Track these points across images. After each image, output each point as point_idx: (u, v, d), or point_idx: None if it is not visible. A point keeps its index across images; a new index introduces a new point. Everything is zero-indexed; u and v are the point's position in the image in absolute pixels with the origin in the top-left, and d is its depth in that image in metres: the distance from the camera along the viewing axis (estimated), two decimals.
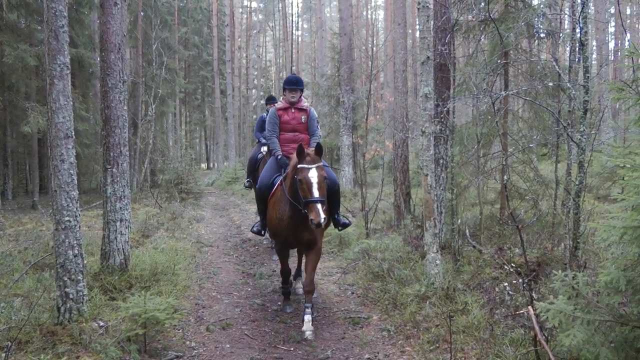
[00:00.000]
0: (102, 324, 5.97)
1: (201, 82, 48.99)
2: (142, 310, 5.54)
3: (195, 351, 5.78)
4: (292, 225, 6.52)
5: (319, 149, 6.29)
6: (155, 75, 26.73)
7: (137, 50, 26.72)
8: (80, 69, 20.27)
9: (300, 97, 7.68)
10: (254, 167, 11.44)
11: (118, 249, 7.70)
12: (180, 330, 6.34)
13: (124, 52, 8.13)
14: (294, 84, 7.59)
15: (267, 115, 10.34)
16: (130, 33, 24.73)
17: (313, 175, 6.10)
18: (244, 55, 51.00)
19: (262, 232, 7.83)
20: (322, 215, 5.89)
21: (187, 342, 6.02)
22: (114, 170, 7.74)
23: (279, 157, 7.37)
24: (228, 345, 5.97)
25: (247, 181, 11.96)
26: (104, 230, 7.84)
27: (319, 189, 6.04)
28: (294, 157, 6.36)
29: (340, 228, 7.53)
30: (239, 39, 51.11)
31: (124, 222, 7.81)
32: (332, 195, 6.98)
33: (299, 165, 6.19)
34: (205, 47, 47.29)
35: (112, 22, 7.81)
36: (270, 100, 12.43)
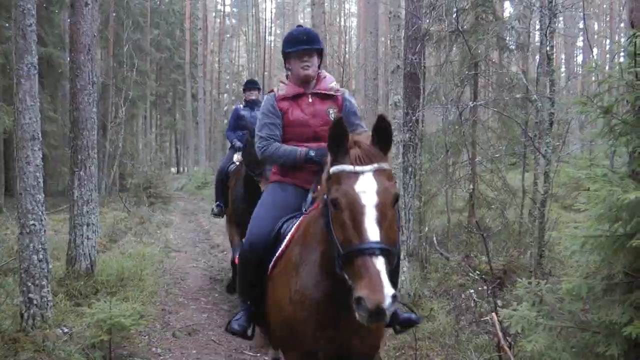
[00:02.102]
0: (66, 330, 5.87)
1: (172, 85, 48.58)
2: (107, 316, 5.47)
3: (162, 357, 5.74)
4: (328, 318, 2.99)
5: (381, 133, 2.79)
6: (126, 77, 26.45)
7: (108, 52, 26.42)
8: (49, 69, 19.96)
9: (319, 66, 4.16)
10: (224, 185, 8.21)
11: (84, 253, 7.59)
12: (147, 337, 6.28)
13: (95, 53, 8.04)
14: (304, 42, 4.02)
15: (242, 107, 8.70)
16: (101, 34, 24.45)
17: (367, 188, 2.63)
18: (217, 59, 50.80)
19: (249, 332, 3.79)
20: (387, 290, 2.37)
21: (153, 349, 5.97)
22: (81, 173, 7.63)
23: (308, 154, 3.81)
24: (194, 351, 5.94)
25: (217, 205, 8.44)
26: (70, 235, 7.72)
27: (380, 221, 2.56)
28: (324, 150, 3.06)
29: (398, 329, 3.63)
30: (212, 43, 50.86)
31: (90, 227, 7.71)
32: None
33: (334, 168, 2.77)
34: (178, 50, 46.93)
35: (83, 22, 7.71)
36: (251, 85, 8.86)
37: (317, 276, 2.97)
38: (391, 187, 2.62)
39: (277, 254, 3.40)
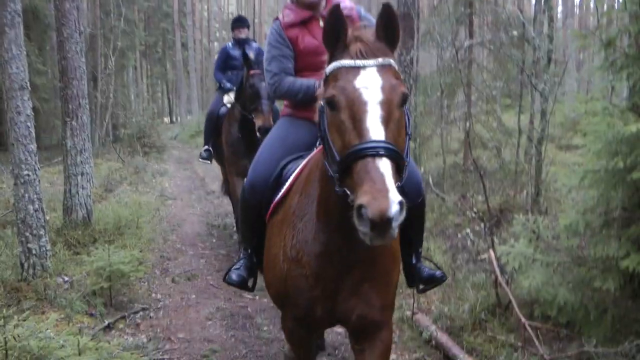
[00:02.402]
0: (66, 279, 5.91)
1: (162, 35, 47.80)
2: (106, 263, 5.49)
3: (161, 303, 5.79)
4: (327, 278, 2.66)
5: (386, 25, 2.29)
6: (113, 26, 25.89)
7: (94, 1, 25.84)
8: (35, 20, 19.50)
9: None
10: (214, 128, 7.80)
11: (80, 203, 7.57)
12: (146, 283, 6.32)
13: (80, 2, 7.85)
14: None
15: (232, 46, 8.10)
16: None
17: (369, 84, 2.18)
18: (205, 7, 49.84)
19: (250, 283, 3.51)
20: (393, 195, 1.92)
21: (153, 294, 6.02)
22: (73, 123, 7.54)
23: (312, 85, 3.30)
24: (194, 296, 5.99)
25: (205, 150, 8.03)
26: (65, 185, 7.68)
27: (386, 120, 2.12)
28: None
29: (422, 287, 3.42)
30: None
31: (85, 176, 7.66)
32: (412, 216, 2.70)
33: (331, 66, 2.33)
34: None
35: None
36: (240, 23, 8.27)
37: (316, 230, 2.59)
38: (399, 85, 2.18)
39: (275, 200, 3.00)
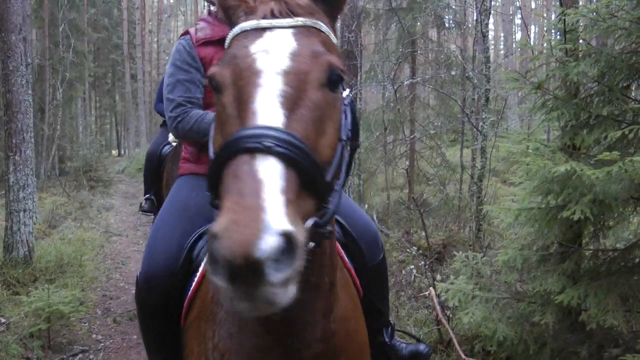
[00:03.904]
0: (3, 320, 5.74)
1: (111, 66, 47.33)
2: (46, 304, 5.34)
3: (102, 344, 5.65)
4: None
5: None
6: (62, 57, 25.56)
7: (43, 32, 25.43)
8: None
9: None
10: (156, 171, 6.27)
11: (22, 240, 7.36)
12: (87, 324, 6.16)
13: (28, 33, 7.75)
14: None
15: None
16: (35, 13, 23.51)
17: (271, 47, 1.38)
18: (155, 39, 49.71)
19: None
20: (271, 220, 1.05)
21: (94, 335, 5.87)
22: (16, 157, 7.38)
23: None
24: (135, 337, 5.85)
25: (146, 199, 6.52)
26: (6, 222, 7.48)
27: (290, 100, 1.28)
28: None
29: None
30: (150, 23, 49.75)
31: (27, 212, 7.47)
32: (373, 279, 2.31)
33: (232, 31, 1.52)
34: (115, 30, 45.63)
35: (13, 0, 7.40)
36: None
37: (242, 317, 1.63)
38: (324, 54, 1.39)
39: (189, 292, 2.06)
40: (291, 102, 1.27)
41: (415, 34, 9.09)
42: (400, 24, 8.17)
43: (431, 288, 4.57)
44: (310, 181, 1.19)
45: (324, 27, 1.48)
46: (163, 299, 2.18)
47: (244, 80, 1.32)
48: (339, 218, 2.18)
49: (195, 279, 2.04)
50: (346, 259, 2.01)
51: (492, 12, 6.47)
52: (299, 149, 1.17)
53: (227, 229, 1.02)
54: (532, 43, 4.73)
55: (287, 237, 1.03)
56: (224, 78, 1.39)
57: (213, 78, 1.43)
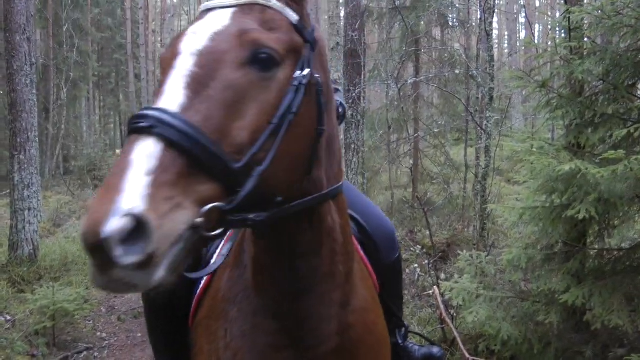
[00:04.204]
0: (9, 318, 5.77)
1: (115, 66, 47.42)
2: (50, 302, 5.37)
3: (106, 342, 5.67)
4: None
5: None
6: (66, 57, 25.65)
7: (47, 32, 25.53)
8: None
9: None
10: None
11: (27, 239, 7.39)
12: (91, 321, 6.18)
13: (32, 33, 7.78)
14: None
15: None
16: (40, 13, 23.59)
17: (200, 29, 1.34)
18: (159, 39, 49.81)
19: None
20: (124, 201, 1.00)
21: (98, 333, 5.89)
22: (21, 156, 7.41)
23: None
24: (140, 334, 5.87)
25: None
26: (11, 220, 7.53)
27: (198, 83, 1.22)
28: None
29: None
30: (154, 23, 49.83)
31: (32, 211, 7.50)
32: (387, 278, 2.21)
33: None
34: (119, 30, 45.69)
35: (17, 1, 7.44)
36: None
37: (255, 311, 1.67)
38: (253, 32, 1.30)
39: (198, 290, 2.02)
40: (197, 84, 1.22)
41: (419, 32, 9.08)
42: (404, 22, 8.14)
43: (435, 287, 4.55)
44: (205, 165, 1.14)
45: (273, 3, 1.38)
46: (170, 297, 2.10)
47: (166, 63, 1.32)
48: (353, 214, 2.11)
49: (203, 283, 1.99)
50: (362, 253, 1.98)
51: (496, 10, 6.46)
52: (183, 132, 1.12)
53: (89, 208, 1.03)
54: (536, 41, 4.69)
55: (137, 219, 0.99)
56: (162, 61, 1.40)
57: (160, 62, 1.42)
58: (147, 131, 1.12)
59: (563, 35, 4.59)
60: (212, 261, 1.97)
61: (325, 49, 1.61)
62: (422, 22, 9.30)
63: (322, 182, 1.52)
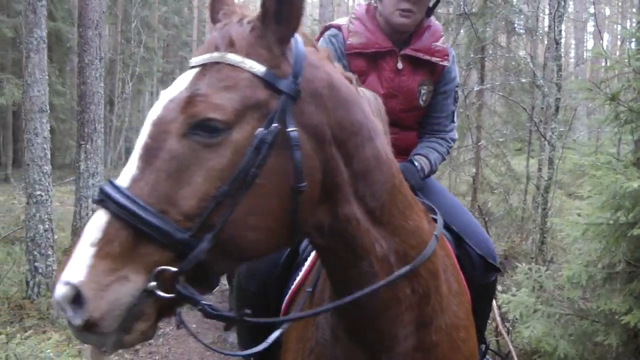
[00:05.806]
0: None
1: (179, 63, 48.32)
2: None
3: (162, 330, 5.77)
4: None
5: None
6: (133, 53, 26.39)
7: (115, 28, 26.38)
8: (57, 43, 19.96)
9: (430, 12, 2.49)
10: None
11: None
12: None
13: (102, 29, 8.08)
14: None
15: None
16: (110, 10, 24.35)
17: (166, 95, 1.34)
18: None
19: None
20: (67, 272, 1.16)
21: None
22: (87, 146, 7.69)
23: None
24: (194, 325, 5.95)
25: None
26: (75, 207, 7.81)
27: (148, 155, 1.26)
28: None
29: None
30: None
31: None
32: (479, 298, 2.09)
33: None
34: (185, 28, 46.66)
35: None
36: None
37: (337, 326, 1.70)
38: (198, 99, 1.27)
39: (293, 285, 2.03)
40: (149, 155, 1.25)
41: (485, 39, 8.96)
42: (472, 28, 8.05)
43: (492, 299, 4.51)
44: (150, 236, 1.19)
45: (229, 58, 1.32)
46: (262, 287, 2.21)
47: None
48: (454, 228, 2.13)
49: (301, 274, 2.03)
50: (458, 268, 1.97)
51: (565, 18, 6.33)
52: (125, 207, 1.18)
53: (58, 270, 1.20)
54: (605, 52, 4.58)
55: (75, 288, 1.13)
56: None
57: None
58: (100, 204, 1.23)
59: (635, 45, 4.47)
60: (309, 259, 2.03)
61: (336, 85, 1.46)
62: (489, 29, 9.18)
63: (356, 218, 1.48)
